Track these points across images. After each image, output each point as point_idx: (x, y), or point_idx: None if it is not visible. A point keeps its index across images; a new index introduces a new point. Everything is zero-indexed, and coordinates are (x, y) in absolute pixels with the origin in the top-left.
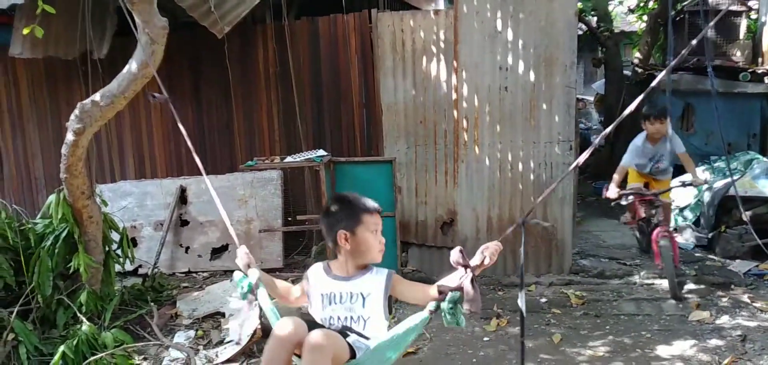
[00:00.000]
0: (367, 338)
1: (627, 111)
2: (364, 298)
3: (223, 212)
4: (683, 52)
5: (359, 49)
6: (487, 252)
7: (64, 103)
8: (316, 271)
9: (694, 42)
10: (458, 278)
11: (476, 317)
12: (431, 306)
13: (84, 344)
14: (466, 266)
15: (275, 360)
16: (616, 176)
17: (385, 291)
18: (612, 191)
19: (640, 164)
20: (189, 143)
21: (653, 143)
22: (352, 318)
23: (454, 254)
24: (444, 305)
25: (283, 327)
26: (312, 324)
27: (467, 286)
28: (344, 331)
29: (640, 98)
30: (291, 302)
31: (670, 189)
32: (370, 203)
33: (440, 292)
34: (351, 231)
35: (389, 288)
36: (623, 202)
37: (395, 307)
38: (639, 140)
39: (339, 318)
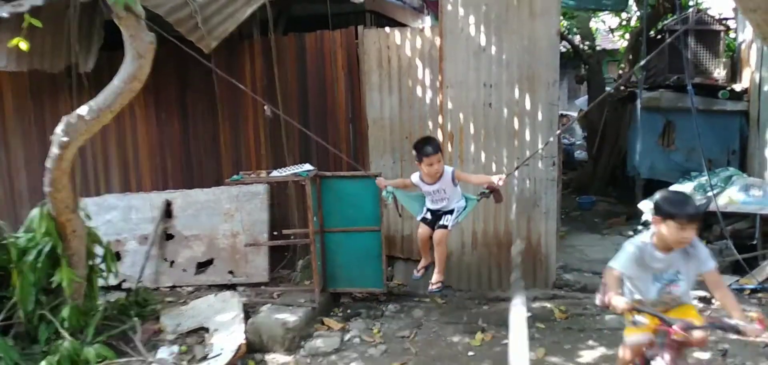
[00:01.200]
0: (451, 212)
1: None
2: (444, 191)
3: None
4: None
5: (346, 65)
6: (498, 179)
7: (50, 116)
8: (416, 178)
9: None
10: (488, 179)
11: (500, 202)
12: (477, 194)
13: (66, 360)
14: (492, 188)
15: (423, 246)
16: (608, 280)
17: (453, 181)
18: (617, 300)
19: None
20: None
21: (665, 252)
22: (442, 200)
23: (481, 178)
24: (484, 194)
25: (421, 232)
26: (431, 222)
27: (496, 193)
28: (441, 214)
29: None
30: (409, 188)
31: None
32: (427, 149)
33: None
34: (419, 160)
35: (455, 178)
36: (637, 319)
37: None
38: (642, 240)
39: (437, 202)
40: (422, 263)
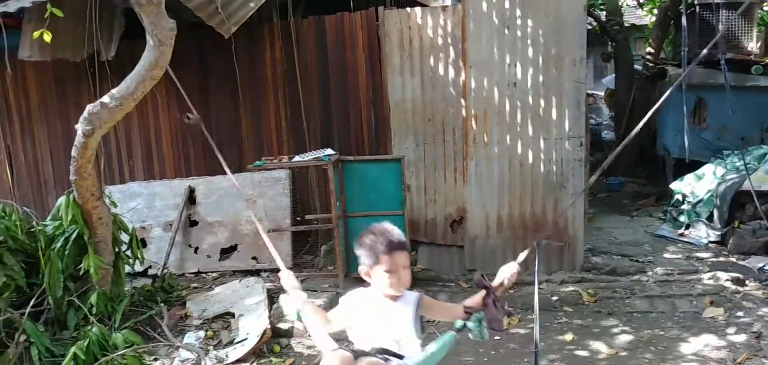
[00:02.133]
0: (401, 357)
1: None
2: (397, 323)
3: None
4: (702, 53)
5: (366, 48)
6: (506, 276)
7: (73, 105)
8: (356, 295)
9: (708, 47)
10: (481, 298)
11: (499, 333)
12: (458, 324)
13: (95, 345)
14: (487, 289)
15: None
16: None
17: (415, 314)
18: None
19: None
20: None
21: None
22: (390, 340)
23: (476, 278)
24: (470, 323)
25: (335, 361)
26: (357, 353)
27: (490, 307)
28: (384, 355)
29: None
30: (329, 326)
31: None
32: (393, 240)
33: (466, 312)
34: (371, 268)
35: (418, 310)
36: None
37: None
38: None
39: (378, 338)
40: None
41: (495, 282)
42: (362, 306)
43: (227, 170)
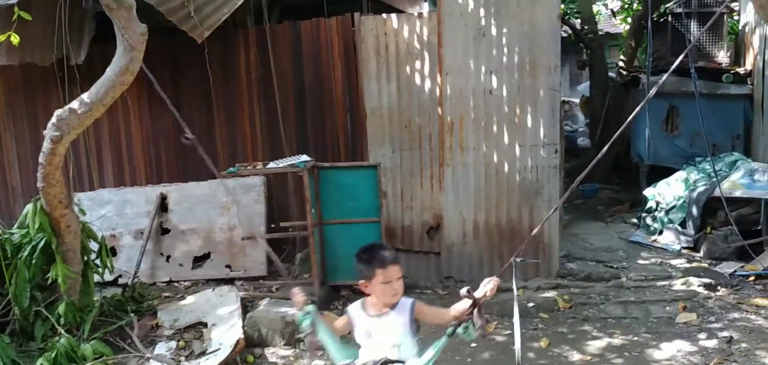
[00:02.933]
0: (402, 362)
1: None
2: (396, 331)
3: None
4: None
5: (342, 54)
6: (488, 288)
7: (42, 110)
8: (355, 309)
9: (681, 57)
10: (468, 307)
11: (484, 336)
12: (449, 330)
13: (62, 356)
14: (474, 300)
15: None
16: None
17: (410, 319)
18: None
19: None
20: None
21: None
22: (388, 345)
23: (463, 292)
24: (460, 330)
25: None
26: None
27: (476, 316)
28: (386, 363)
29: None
30: (339, 330)
31: None
32: (385, 256)
33: (456, 319)
34: (369, 276)
35: (413, 315)
36: None
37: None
38: None
39: (378, 348)
40: None
41: (478, 294)
42: (362, 318)
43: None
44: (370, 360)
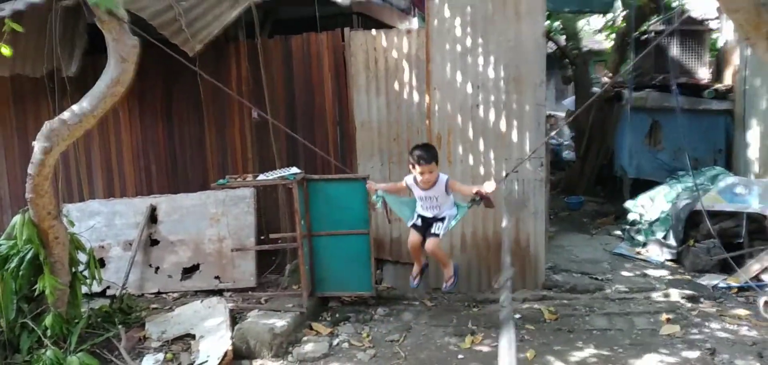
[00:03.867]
0: (443, 219)
1: None
2: (436, 199)
3: None
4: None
5: (332, 68)
6: (489, 187)
7: (32, 121)
8: (410, 180)
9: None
10: (482, 192)
11: (491, 208)
12: (468, 203)
13: None
14: (482, 195)
15: (415, 254)
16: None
17: (446, 190)
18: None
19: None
20: None
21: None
22: (434, 207)
23: (477, 190)
24: (475, 201)
25: (412, 239)
26: (421, 228)
27: (486, 200)
28: (433, 220)
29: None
30: (401, 193)
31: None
32: (420, 155)
33: (473, 195)
34: (412, 165)
35: (448, 187)
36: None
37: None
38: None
39: (428, 209)
40: (416, 270)
41: (483, 190)
42: (415, 189)
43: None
44: (425, 213)
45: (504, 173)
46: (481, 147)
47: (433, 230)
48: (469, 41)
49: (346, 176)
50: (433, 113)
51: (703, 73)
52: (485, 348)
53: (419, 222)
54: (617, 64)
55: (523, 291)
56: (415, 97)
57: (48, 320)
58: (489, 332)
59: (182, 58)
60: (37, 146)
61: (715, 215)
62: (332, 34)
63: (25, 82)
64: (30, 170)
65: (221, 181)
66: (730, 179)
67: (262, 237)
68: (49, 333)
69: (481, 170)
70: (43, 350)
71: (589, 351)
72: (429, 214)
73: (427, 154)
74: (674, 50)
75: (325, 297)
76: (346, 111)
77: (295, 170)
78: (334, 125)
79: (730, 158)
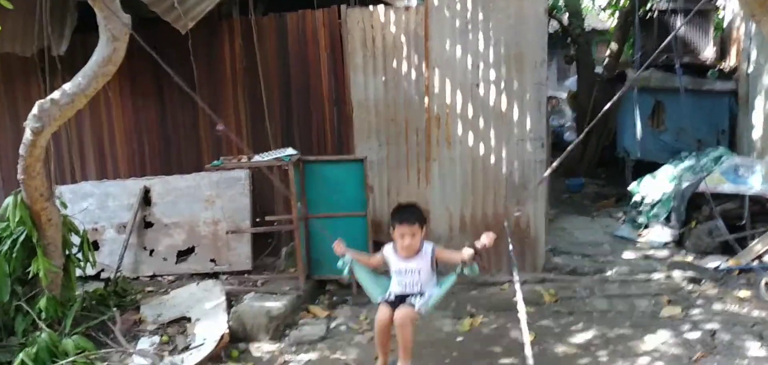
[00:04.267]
0: (423, 294)
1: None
2: (419, 272)
3: None
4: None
5: (329, 46)
6: (486, 241)
7: (22, 101)
8: (388, 250)
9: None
10: (472, 253)
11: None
12: (458, 269)
13: (44, 351)
14: (476, 250)
15: (381, 335)
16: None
17: (431, 261)
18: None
19: None
20: None
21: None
22: (414, 285)
23: (467, 247)
24: (466, 270)
25: (380, 317)
26: (394, 304)
27: (478, 259)
28: (410, 295)
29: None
30: (374, 266)
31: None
32: (401, 216)
33: (463, 262)
34: (393, 227)
35: (433, 257)
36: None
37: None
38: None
39: (406, 285)
40: (380, 363)
41: (478, 244)
42: (394, 257)
43: None
44: (400, 290)
45: (503, 147)
46: (481, 126)
47: (409, 301)
48: (469, 18)
49: (343, 157)
50: (432, 92)
51: (708, 53)
52: (484, 330)
53: (392, 298)
54: (620, 43)
55: (523, 273)
56: (414, 76)
57: (42, 303)
58: (488, 314)
59: (172, 36)
60: (28, 126)
61: (718, 197)
62: (328, 11)
63: (14, 61)
64: (21, 151)
65: (215, 162)
66: (734, 160)
67: (258, 220)
68: (43, 315)
69: (481, 149)
70: (38, 333)
71: (589, 333)
72: (405, 291)
73: (411, 214)
74: (677, 30)
75: (322, 280)
76: (343, 90)
77: (290, 151)
78: (331, 104)
79: (733, 139)
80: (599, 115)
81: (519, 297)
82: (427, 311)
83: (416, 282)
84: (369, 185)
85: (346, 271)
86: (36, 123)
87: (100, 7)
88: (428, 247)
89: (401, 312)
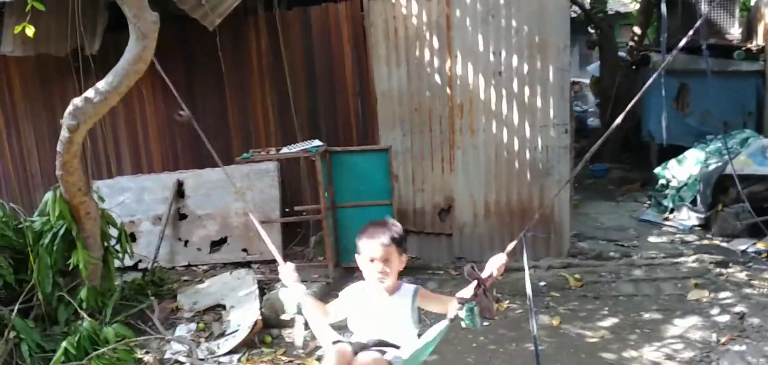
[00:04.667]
0: (397, 347)
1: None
2: (394, 315)
3: None
4: (681, 41)
5: (352, 38)
6: (495, 266)
7: (58, 99)
8: (354, 290)
9: (691, 32)
10: (472, 289)
11: (489, 321)
12: (451, 314)
13: (86, 339)
14: (478, 280)
15: None
16: None
17: (412, 306)
18: None
19: None
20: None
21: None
22: (385, 331)
23: (467, 269)
24: (462, 313)
25: (334, 356)
26: (355, 347)
27: (481, 297)
28: (381, 345)
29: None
30: (329, 318)
31: None
32: (368, 231)
33: (460, 302)
34: (358, 255)
35: (415, 302)
36: None
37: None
38: None
39: (376, 329)
40: None
41: (485, 273)
42: (361, 298)
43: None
44: (366, 339)
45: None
46: (504, 114)
47: (384, 352)
48: (491, 5)
49: (368, 147)
50: (455, 81)
51: (734, 33)
52: (510, 314)
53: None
54: (643, 26)
55: (548, 258)
56: (436, 65)
57: (83, 293)
58: (514, 299)
59: (200, 33)
60: (65, 124)
61: (745, 179)
62: (351, 4)
63: (49, 61)
64: (59, 148)
65: (245, 155)
66: (761, 141)
67: (287, 210)
68: (84, 305)
69: (505, 136)
70: (79, 321)
71: (615, 318)
72: (372, 337)
73: (382, 230)
74: (704, 9)
75: (350, 267)
76: (367, 82)
77: (317, 142)
78: (355, 96)
79: (760, 120)
80: (628, 107)
81: (527, 282)
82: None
83: (393, 330)
84: (394, 174)
85: (294, 311)
86: (72, 121)
87: (129, 5)
88: (409, 288)
89: (367, 357)
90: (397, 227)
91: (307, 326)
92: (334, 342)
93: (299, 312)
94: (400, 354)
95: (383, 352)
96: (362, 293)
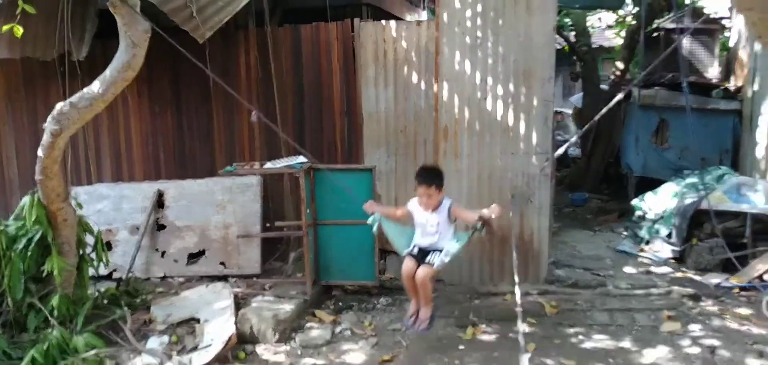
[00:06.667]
0: (440, 250)
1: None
2: (438, 224)
3: None
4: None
5: (341, 58)
6: (494, 212)
7: (42, 104)
8: (413, 204)
9: (650, 67)
10: (484, 218)
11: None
12: (472, 222)
13: (54, 348)
14: (485, 220)
15: (408, 283)
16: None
17: (449, 216)
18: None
19: None
20: None
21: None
22: (433, 234)
23: (482, 214)
24: (478, 225)
25: (406, 267)
26: (417, 258)
27: (488, 225)
28: (429, 250)
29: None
30: (399, 218)
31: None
32: (422, 176)
33: (478, 219)
34: (418, 184)
35: (451, 213)
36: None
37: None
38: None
39: (427, 235)
40: (412, 309)
41: (485, 214)
42: (417, 210)
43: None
44: (421, 243)
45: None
46: (488, 140)
47: (428, 259)
48: (479, 34)
49: (352, 166)
50: (441, 106)
51: (713, 72)
52: (486, 338)
53: (415, 251)
54: (626, 61)
55: (526, 284)
56: (423, 89)
57: (55, 300)
58: (490, 323)
59: (189, 45)
60: (47, 128)
61: (720, 215)
62: (342, 25)
63: (35, 65)
64: (40, 151)
65: (228, 168)
66: (736, 179)
67: (268, 225)
68: (55, 313)
69: (487, 162)
70: (49, 330)
71: (589, 346)
72: (426, 242)
73: (428, 176)
74: (684, 49)
75: (328, 286)
76: (354, 102)
77: (302, 159)
78: (342, 115)
79: (736, 158)
80: (587, 125)
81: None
82: (443, 265)
83: (435, 233)
84: (377, 194)
85: (374, 227)
86: (55, 125)
87: (120, 13)
88: (446, 202)
89: (422, 271)
90: (438, 175)
91: (381, 231)
92: (405, 254)
93: (379, 226)
94: (440, 258)
95: (431, 264)
96: (418, 207)
